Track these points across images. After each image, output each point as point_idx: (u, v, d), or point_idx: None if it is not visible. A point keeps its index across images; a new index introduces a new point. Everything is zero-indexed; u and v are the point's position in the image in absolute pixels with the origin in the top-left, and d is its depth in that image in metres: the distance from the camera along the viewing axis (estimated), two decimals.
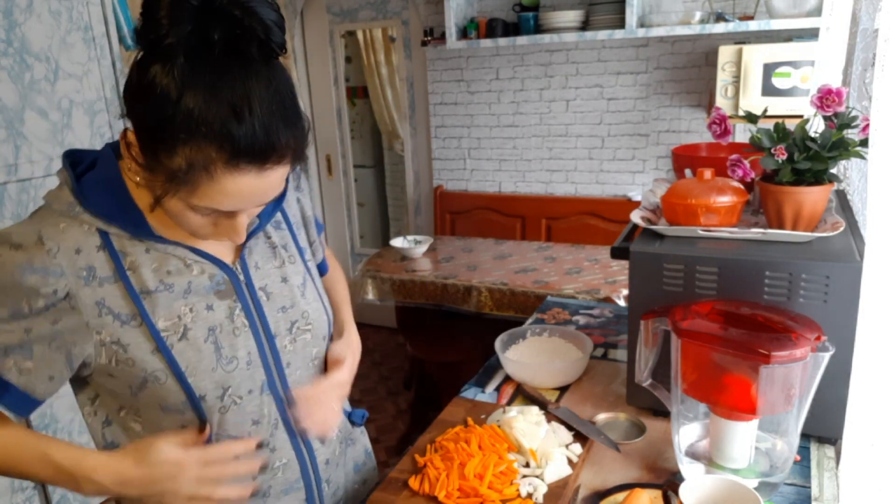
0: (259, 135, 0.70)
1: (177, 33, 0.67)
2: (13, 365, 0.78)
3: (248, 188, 0.73)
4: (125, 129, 0.76)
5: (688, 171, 1.26)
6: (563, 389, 1.30)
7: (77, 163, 0.84)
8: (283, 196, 0.96)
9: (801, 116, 1.13)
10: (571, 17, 2.93)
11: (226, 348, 0.85)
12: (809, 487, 0.97)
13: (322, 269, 1.13)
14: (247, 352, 0.87)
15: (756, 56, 2.55)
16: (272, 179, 0.75)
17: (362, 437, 1.15)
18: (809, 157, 1.03)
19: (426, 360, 2.95)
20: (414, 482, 1.00)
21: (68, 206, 0.80)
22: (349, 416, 1.10)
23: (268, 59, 0.73)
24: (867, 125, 1.00)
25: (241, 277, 0.89)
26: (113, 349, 0.81)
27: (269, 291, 0.91)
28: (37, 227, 0.79)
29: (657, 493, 0.95)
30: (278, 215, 0.98)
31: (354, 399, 3.40)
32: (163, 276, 0.83)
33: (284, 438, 0.93)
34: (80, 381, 0.88)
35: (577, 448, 1.06)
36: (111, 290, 0.81)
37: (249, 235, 0.90)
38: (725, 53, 2.62)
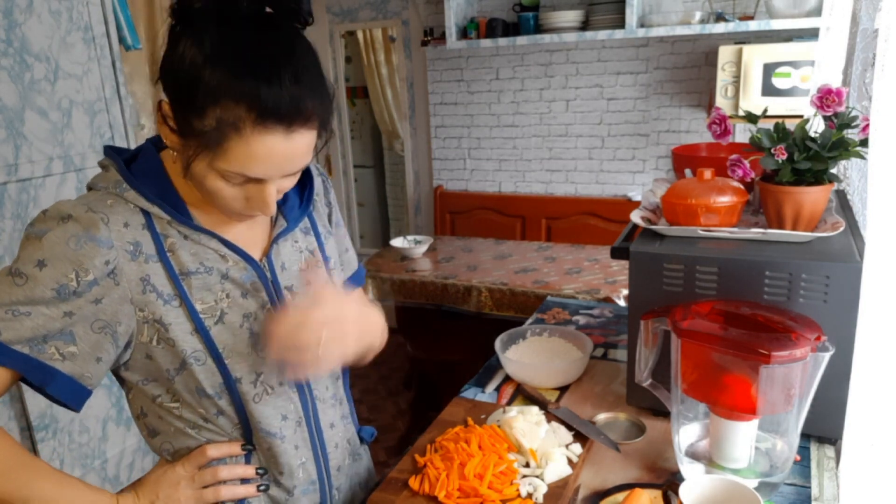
0: (286, 97, 0.72)
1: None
2: (55, 351, 0.77)
3: (277, 151, 0.74)
4: (160, 101, 0.79)
5: (688, 171, 1.26)
6: (563, 389, 1.30)
7: (119, 154, 0.86)
8: (308, 199, 0.97)
9: (801, 116, 1.13)
10: (571, 17, 2.94)
11: (258, 336, 0.87)
12: (809, 487, 0.97)
13: (356, 280, 1.11)
14: None
15: (756, 56, 2.55)
16: (299, 144, 0.76)
17: (366, 455, 1.15)
18: (809, 157, 1.03)
19: (426, 360, 2.95)
20: (414, 482, 1.00)
21: (115, 183, 0.82)
22: (359, 432, 1.11)
23: (295, 28, 0.77)
24: (867, 125, 1.00)
25: (269, 276, 0.90)
26: (155, 327, 0.82)
27: (295, 291, 0.92)
28: (84, 202, 0.80)
29: (657, 493, 0.95)
30: (307, 222, 0.99)
31: (354, 399, 3.40)
32: (202, 260, 0.85)
33: (305, 437, 0.94)
34: (115, 375, 0.89)
35: (577, 448, 1.06)
36: (155, 268, 0.82)
37: (278, 236, 0.92)
38: (725, 53, 2.62)
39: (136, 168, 0.84)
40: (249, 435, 0.91)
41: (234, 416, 0.89)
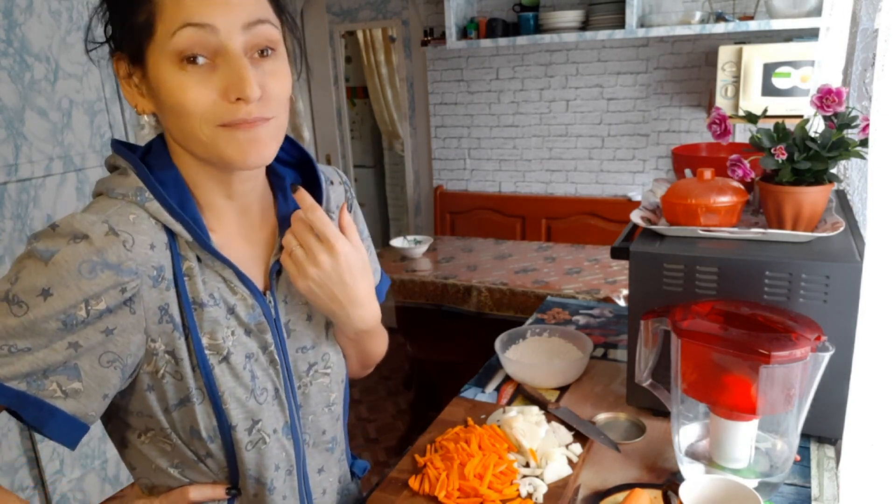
0: None
1: None
2: (57, 387, 0.68)
3: None
4: (115, 66, 0.74)
5: (688, 171, 1.26)
6: (563, 389, 1.30)
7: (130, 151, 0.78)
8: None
9: (801, 116, 1.13)
10: (571, 17, 2.94)
11: (259, 378, 0.80)
12: (809, 487, 0.97)
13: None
14: (275, 387, 0.82)
15: (756, 56, 2.55)
16: None
17: (356, 488, 1.07)
18: (809, 157, 1.03)
19: (426, 360, 2.95)
20: (414, 482, 1.00)
21: (136, 191, 0.73)
22: (351, 466, 1.04)
23: None
24: (867, 125, 1.00)
25: (273, 312, 0.83)
26: (165, 359, 0.74)
27: (292, 329, 0.85)
28: (102, 216, 0.70)
29: (657, 493, 0.94)
30: None
31: (354, 399, 3.40)
32: (212, 290, 0.77)
33: (294, 486, 0.87)
34: None
35: (577, 448, 1.06)
36: (172, 295, 0.74)
37: (277, 263, 0.83)
38: (725, 53, 2.62)
39: (155, 171, 0.76)
40: (236, 479, 0.83)
41: (223, 460, 0.81)
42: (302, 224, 0.79)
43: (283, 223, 0.85)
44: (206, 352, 0.76)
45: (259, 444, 0.81)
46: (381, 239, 4.47)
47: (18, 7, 2.19)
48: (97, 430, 2.53)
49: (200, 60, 0.68)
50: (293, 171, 0.90)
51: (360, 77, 4.52)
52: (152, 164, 0.77)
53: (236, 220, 0.82)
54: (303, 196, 0.78)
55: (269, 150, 0.74)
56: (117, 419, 0.80)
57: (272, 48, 0.73)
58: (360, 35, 4.38)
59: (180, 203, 0.75)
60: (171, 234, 0.75)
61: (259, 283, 0.83)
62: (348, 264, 0.80)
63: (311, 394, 0.87)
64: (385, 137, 4.65)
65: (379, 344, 0.96)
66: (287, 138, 0.86)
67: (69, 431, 0.70)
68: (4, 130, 2.18)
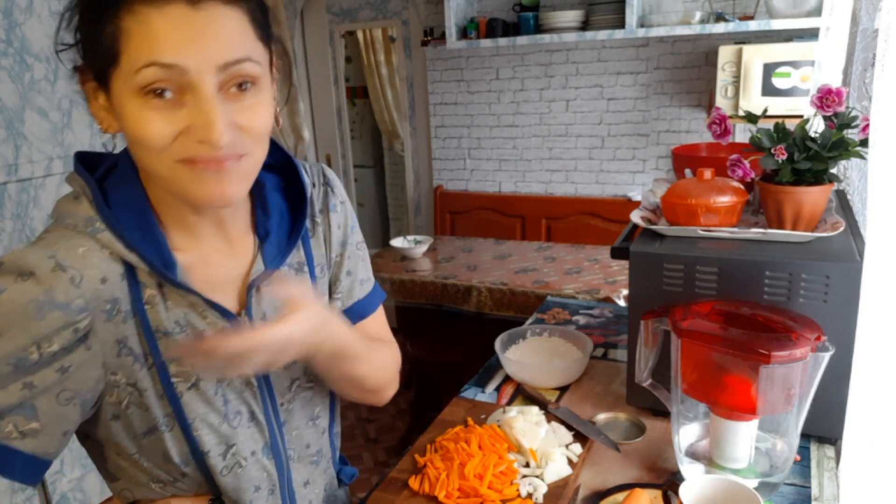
0: None
1: None
2: (13, 428, 0.65)
3: (182, 23, 0.61)
4: (80, 80, 0.70)
5: (688, 171, 1.26)
6: (563, 389, 1.30)
7: (92, 168, 0.74)
8: (297, 233, 0.83)
9: (801, 116, 1.13)
10: (571, 17, 2.94)
11: (232, 402, 0.78)
12: (809, 487, 0.97)
13: (358, 310, 0.93)
14: (250, 409, 0.80)
15: (756, 56, 2.55)
16: (213, 18, 0.63)
17: (342, 495, 1.03)
18: (809, 157, 1.03)
19: (426, 360, 2.95)
20: (414, 482, 1.00)
21: (86, 221, 0.69)
22: (338, 473, 1.00)
23: None
24: (867, 125, 1.00)
25: None
26: (128, 391, 0.72)
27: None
28: (49, 251, 0.66)
29: (657, 493, 0.95)
30: (301, 256, 0.85)
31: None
32: (177, 317, 0.73)
33: (279, 502, 0.85)
34: None
35: (577, 448, 1.06)
36: (131, 326, 0.70)
37: (255, 282, 0.78)
38: (725, 53, 2.62)
39: (112, 191, 0.71)
40: (219, 494, 0.81)
41: (200, 479, 0.79)
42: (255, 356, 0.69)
43: (263, 237, 0.81)
44: (174, 379, 0.73)
45: (235, 468, 0.79)
46: (381, 239, 4.47)
47: (18, 7, 2.19)
48: None
49: (167, 94, 0.63)
50: (275, 175, 0.85)
51: (360, 77, 4.52)
52: (113, 184, 0.72)
53: (210, 236, 0.77)
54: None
55: (236, 190, 0.69)
56: (89, 441, 0.78)
57: (252, 82, 0.67)
58: (360, 35, 4.38)
59: (141, 228, 0.71)
60: (128, 266, 0.70)
61: (233, 302, 0.78)
62: (312, 334, 0.73)
63: (294, 409, 0.85)
64: (385, 137, 4.65)
65: (364, 362, 0.86)
66: (271, 142, 0.80)
67: (29, 471, 0.68)
68: (4, 130, 2.18)
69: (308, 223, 0.85)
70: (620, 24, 2.80)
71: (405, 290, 2.77)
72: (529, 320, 1.67)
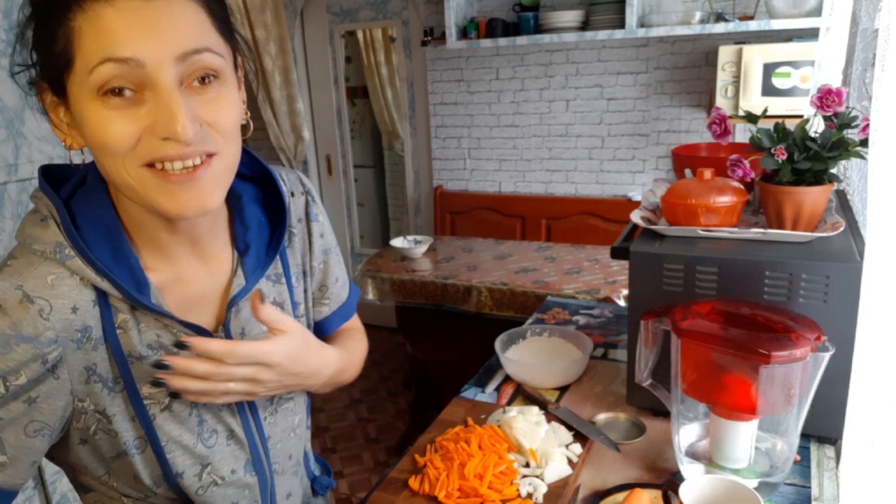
0: None
1: None
2: None
3: (134, 15, 0.59)
4: (39, 96, 0.67)
5: (688, 171, 1.26)
6: (563, 389, 1.30)
7: (59, 181, 0.71)
8: (278, 244, 0.81)
9: (801, 116, 1.13)
10: (571, 17, 2.94)
11: (208, 422, 0.76)
12: (809, 487, 0.97)
13: (327, 326, 0.95)
14: (228, 428, 0.78)
15: (756, 56, 2.55)
16: (165, 9, 0.60)
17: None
18: (809, 157, 1.03)
19: (426, 360, 2.95)
20: (414, 482, 1.00)
21: (55, 247, 0.66)
22: (312, 482, 0.98)
23: None
24: (867, 125, 1.00)
25: None
26: (96, 417, 0.70)
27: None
28: (16, 282, 0.63)
29: (657, 493, 0.95)
30: (278, 266, 0.84)
31: (354, 399, 3.40)
32: (150, 341, 0.71)
33: None
34: None
35: (577, 448, 1.06)
36: (102, 352, 0.68)
37: (235, 299, 0.77)
38: (725, 53, 2.62)
39: (81, 211, 0.68)
40: None
41: (173, 496, 0.77)
42: (231, 361, 0.70)
43: (242, 250, 0.79)
44: (146, 402, 0.71)
45: (210, 486, 0.77)
46: (381, 239, 4.47)
47: (18, 7, 2.19)
48: None
49: (126, 93, 0.60)
50: (252, 186, 0.83)
51: (360, 77, 4.52)
52: (81, 202, 0.69)
53: (184, 254, 0.75)
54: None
55: (211, 198, 0.66)
56: (58, 461, 0.77)
57: (214, 75, 0.64)
58: (360, 35, 4.37)
59: (112, 250, 0.68)
60: (100, 291, 0.68)
61: (210, 319, 0.77)
62: (291, 361, 0.75)
63: (277, 422, 0.84)
64: (385, 137, 4.65)
65: (348, 371, 0.90)
66: (247, 152, 0.80)
67: None
68: (4, 130, 2.18)
69: (285, 234, 0.83)
70: (620, 24, 2.80)
71: (405, 290, 2.77)
72: (529, 320, 1.67)
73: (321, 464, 1.05)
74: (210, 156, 0.65)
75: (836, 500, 0.94)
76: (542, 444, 1.04)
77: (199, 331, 0.73)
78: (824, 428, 1.03)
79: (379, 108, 4.51)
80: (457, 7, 3.14)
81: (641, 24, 2.80)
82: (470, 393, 1.31)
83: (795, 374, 0.87)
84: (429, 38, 3.40)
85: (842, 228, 1.03)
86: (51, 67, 0.63)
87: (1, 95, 2.17)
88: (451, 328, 3.10)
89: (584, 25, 2.95)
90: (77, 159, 0.69)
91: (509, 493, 0.95)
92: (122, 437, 0.71)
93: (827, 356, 0.86)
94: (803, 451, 1.04)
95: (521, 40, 3.05)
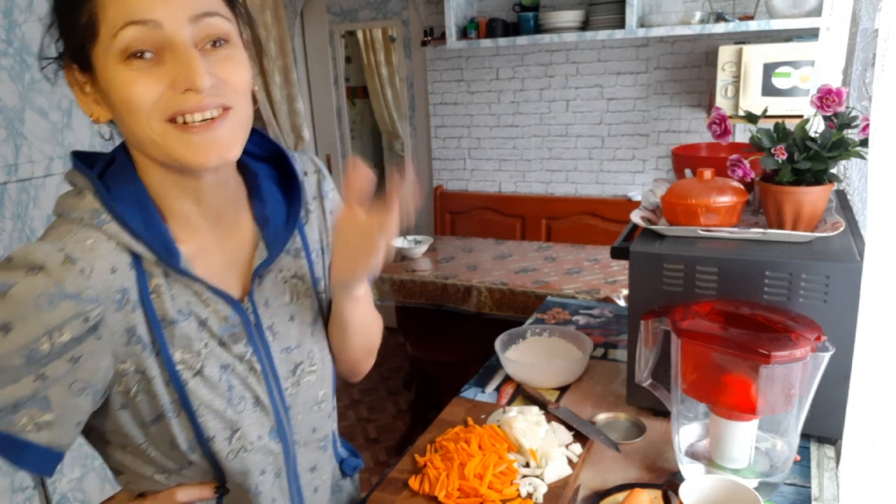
0: None
1: None
2: (28, 420, 0.67)
3: None
4: (68, 76, 0.72)
5: (688, 171, 1.26)
6: (563, 389, 1.30)
7: (89, 166, 0.75)
8: (296, 217, 0.86)
9: (801, 116, 1.13)
10: (571, 17, 2.94)
11: (237, 388, 0.79)
12: (809, 487, 0.97)
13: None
14: (255, 395, 0.81)
15: (756, 56, 2.55)
16: None
17: (349, 486, 1.06)
18: (809, 157, 1.03)
19: (426, 360, 2.95)
20: (414, 482, 1.00)
21: (92, 213, 0.70)
22: (341, 463, 1.01)
23: None
24: (867, 125, 1.00)
25: (252, 318, 0.81)
26: (136, 378, 0.73)
27: (276, 331, 0.84)
28: (58, 244, 0.68)
29: (657, 493, 0.95)
30: (297, 241, 0.87)
31: (354, 399, 3.40)
32: (181, 306, 0.75)
33: (284, 487, 0.87)
34: None
35: (577, 448, 1.06)
36: (140, 315, 0.72)
37: (259, 268, 0.81)
38: (725, 53, 2.62)
39: (113, 186, 0.73)
40: (223, 480, 0.82)
41: (206, 467, 0.80)
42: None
43: (262, 223, 0.83)
44: (178, 367, 0.74)
45: (240, 451, 0.80)
46: None
47: (18, 7, 2.19)
48: None
49: (147, 55, 0.66)
50: (267, 165, 0.87)
51: (360, 77, 4.52)
52: (113, 178, 0.74)
53: (208, 227, 0.79)
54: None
55: (230, 150, 0.71)
56: (95, 436, 0.79)
57: (225, 39, 0.70)
58: (360, 35, 4.38)
59: (143, 219, 0.72)
60: (135, 256, 0.72)
61: (236, 289, 0.81)
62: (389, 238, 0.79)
63: (298, 393, 0.86)
64: (385, 137, 4.65)
65: (376, 318, 0.98)
66: (257, 132, 0.84)
67: (44, 462, 0.70)
68: (4, 130, 2.18)
69: (302, 211, 0.88)
70: (620, 24, 2.80)
71: (405, 290, 2.77)
72: (529, 320, 1.67)
73: (348, 448, 1.07)
74: (226, 109, 0.69)
75: (836, 500, 0.94)
76: (542, 444, 1.04)
77: (227, 298, 0.78)
78: (824, 428, 1.03)
79: (379, 108, 4.51)
80: (457, 7, 3.14)
81: (641, 24, 2.80)
82: (470, 393, 1.31)
83: (795, 374, 0.87)
84: (429, 38, 3.40)
85: (842, 228, 1.03)
86: (77, 43, 0.68)
87: (1, 95, 2.16)
88: (451, 328, 3.10)
89: (584, 25, 2.95)
90: (106, 133, 0.76)
91: (509, 493, 0.95)
92: (159, 399, 0.74)
93: (827, 356, 0.86)
94: (803, 451, 1.04)
95: (521, 40, 3.05)
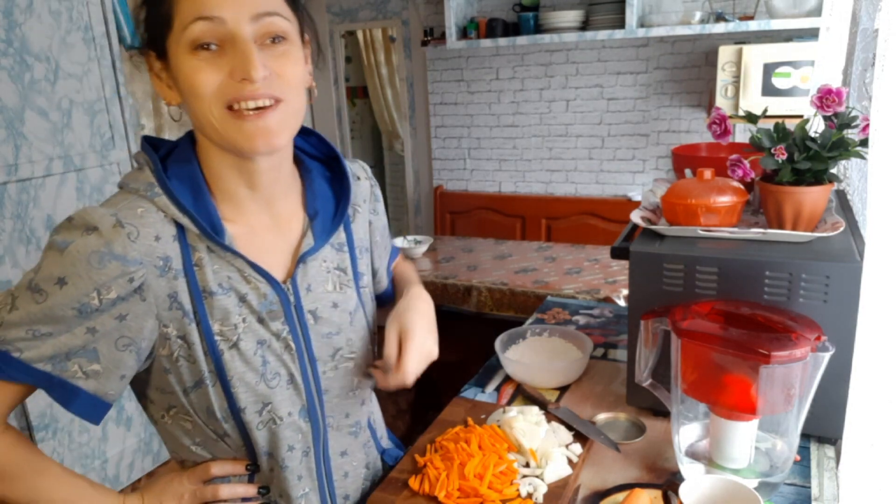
0: None
1: None
2: (78, 368, 0.75)
3: None
4: (147, 62, 0.81)
5: (688, 171, 1.26)
6: (563, 389, 1.30)
7: (155, 149, 0.84)
8: (343, 212, 0.93)
9: (801, 116, 1.13)
10: (571, 17, 2.94)
11: (272, 364, 0.84)
12: (809, 487, 0.97)
13: (385, 295, 1.12)
14: (289, 373, 0.86)
15: (756, 56, 2.55)
16: None
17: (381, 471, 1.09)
18: (809, 157, 1.03)
19: None
20: (414, 482, 1.00)
21: (146, 186, 0.79)
22: (382, 454, 1.07)
23: None
24: (867, 125, 1.00)
25: (292, 299, 0.87)
26: (178, 343, 0.80)
27: (319, 315, 0.89)
28: (112, 210, 0.76)
29: (657, 493, 0.95)
30: (342, 236, 0.95)
31: None
32: (222, 280, 0.81)
33: (311, 467, 0.92)
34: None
35: (577, 448, 1.06)
36: (181, 284, 0.79)
37: (304, 255, 0.87)
38: (725, 53, 2.62)
39: (172, 167, 0.81)
40: (254, 457, 0.89)
41: (238, 439, 0.86)
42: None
43: (312, 216, 0.90)
44: (216, 338, 0.81)
45: (269, 424, 0.86)
46: None
47: (18, 7, 2.19)
48: (98, 430, 2.53)
49: (213, 47, 0.74)
50: (321, 165, 0.95)
51: (360, 77, 4.52)
52: (172, 159, 0.82)
53: (259, 211, 0.86)
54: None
55: (278, 137, 0.78)
56: (145, 399, 0.87)
57: (283, 37, 0.77)
58: (360, 35, 4.38)
59: (193, 197, 0.80)
60: (181, 228, 0.79)
61: (280, 271, 0.87)
62: (426, 331, 0.96)
63: (336, 377, 0.92)
64: (385, 137, 4.65)
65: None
66: (316, 135, 0.95)
67: (92, 409, 0.77)
68: (4, 130, 2.18)
69: (350, 210, 0.96)
70: (620, 24, 2.80)
71: None
72: (529, 320, 1.67)
73: (394, 440, 1.12)
74: (277, 101, 0.77)
75: (836, 500, 0.94)
76: (542, 444, 1.04)
77: (268, 277, 0.84)
78: (824, 428, 1.03)
79: (379, 108, 4.51)
80: (457, 7, 3.14)
81: (641, 24, 2.80)
82: (470, 393, 1.31)
83: (795, 374, 0.87)
84: (429, 38, 3.40)
85: (842, 228, 1.03)
86: (156, 32, 0.77)
87: (1, 95, 2.16)
88: (451, 328, 3.09)
89: (584, 25, 2.95)
90: (175, 114, 0.85)
91: (509, 493, 0.95)
92: (199, 366, 0.81)
93: (827, 356, 0.86)
94: (803, 451, 1.04)
95: (521, 40, 3.05)
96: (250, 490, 0.90)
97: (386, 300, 1.12)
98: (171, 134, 2.90)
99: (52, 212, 2.32)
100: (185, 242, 0.79)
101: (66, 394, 0.75)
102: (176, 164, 0.82)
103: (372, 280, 1.05)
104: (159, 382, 0.83)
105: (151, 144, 0.84)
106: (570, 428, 1.11)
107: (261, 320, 0.84)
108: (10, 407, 0.77)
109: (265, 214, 0.86)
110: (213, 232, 0.79)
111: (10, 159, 2.20)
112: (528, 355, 1.38)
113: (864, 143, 1.00)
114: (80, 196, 2.40)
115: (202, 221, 0.79)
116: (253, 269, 0.83)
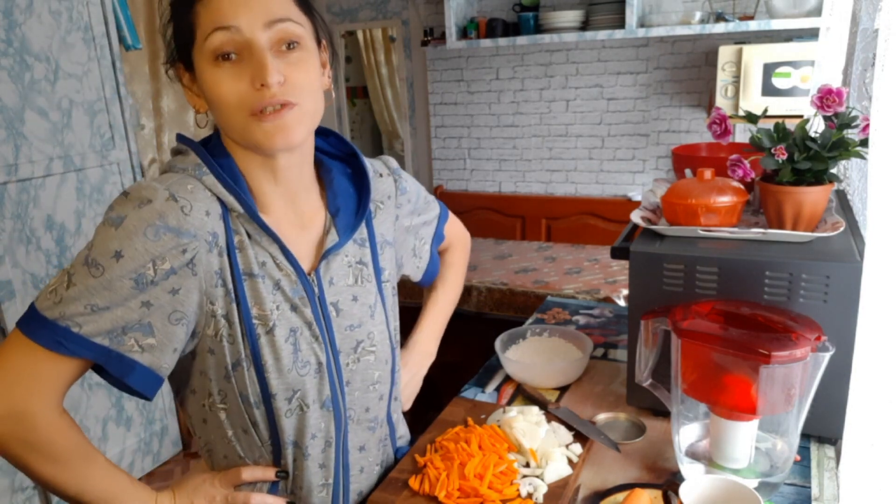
0: None
1: None
2: (134, 342, 0.77)
3: None
4: (177, 74, 0.86)
5: (688, 171, 1.26)
6: (563, 389, 1.30)
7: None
8: (364, 209, 0.95)
9: (801, 116, 1.13)
10: (571, 17, 2.94)
11: (303, 351, 0.87)
12: (809, 487, 0.97)
13: (425, 280, 1.21)
14: (318, 361, 0.88)
15: (756, 56, 2.55)
16: None
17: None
18: (809, 157, 1.03)
19: None
20: (414, 482, 1.00)
21: (194, 166, 0.82)
22: (396, 453, 1.09)
23: None
24: (867, 125, 1.00)
25: (316, 291, 0.90)
26: (222, 322, 0.82)
27: (340, 308, 0.92)
28: (165, 185, 0.78)
29: (657, 493, 0.95)
30: (363, 232, 0.97)
31: None
32: (260, 265, 0.85)
33: (331, 459, 0.93)
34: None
35: (577, 448, 1.06)
36: (225, 262, 0.82)
37: (328, 251, 0.90)
38: (725, 53, 2.62)
39: (212, 155, 0.85)
40: (279, 450, 0.90)
41: (265, 429, 0.89)
42: None
43: (334, 213, 0.93)
44: (254, 321, 0.83)
45: (297, 410, 0.88)
46: None
47: (18, 7, 2.19)
48: (98, 430, 2.53)
49: (233, 57, 0.78)
50: (341, 163, 0.98)
51: (360, 77, 4.52)
52: (210, 151, 0.86)
53: (284, 206, 0.89)
54: None
55: (294, 134, 0.81)
56: (187, 388, 0.89)
57: (297, 42, 0.81)
58: (360, 35, 4.38)
59: (235, 183, 0.83)
60: (225, 209, 0.82)
61: (305, 264, 0.90)
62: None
63: (357, 370, 0.94)
64: (385, 137, 4.65)
65: (455, 297, 1.33)
66: (335, 134, 0.98)
67: (147, 382, 0.79)
68: (4, 130, 2.18)
69: (371, 206, 0.99)
70: (620, 24, 2.80)
71: (405, 290, 2.76)
72: (529, 320, 1.67)
73: (412, 441, 1.14)
74: (292, 105, 0.80)
75: (836, 500, 0.94)
76: (542, 444, 1.04)
77: (296, 265, 0.87)
78: (824, 428, 1.03)
79: (379, 108, 4.51)
80: (457, 7, 3.13)
81: (641, 24, 2.80)
82: (470, 393, 1.31)
83: (795, 374, 0.87)
84: (429, 38, 3.40)
85: (842, 228, 1.03)
86: (182, 45, 0.83)
87: (1, 95, 2.16)
88: (451, 328, 3.10)
89: (584, 25, 2.95)
90: (202, 121, 0.89)
91: (509, 493, 0.95)
92: (237, 347, 0.83)
93: (827, 356, 0.86)
94: (803, 451, 1.04)
95: (521, 40, 3.05)
96: (279, 501, 0.92)
97: (428, 280, 1.22)
98: (172, 134, 2.90)
99: (52, 212, 2.32)
100: (228, 224, 0.83)
101: (124, 367, 0.77)
102: (215, 156, 0.85)
103: (396, 273, 1.08)
104: (202, 365, 0.85)
105: (184, 143, 0.88)
106: (570, 428, 1.11)
107: (294, 308, 0.86)
108: (68, 384, 0.78)
109: (289, 209, 0.90)
110: (254, 213, 0.83)
111: (10, 159, 2.20)
112: (528, 355, 1.38)
113: (864, 143, 1.00)
114: (80, 196, 2.40)
115: (246, 200, 0.83)
116: (285, 256, 0.86)
